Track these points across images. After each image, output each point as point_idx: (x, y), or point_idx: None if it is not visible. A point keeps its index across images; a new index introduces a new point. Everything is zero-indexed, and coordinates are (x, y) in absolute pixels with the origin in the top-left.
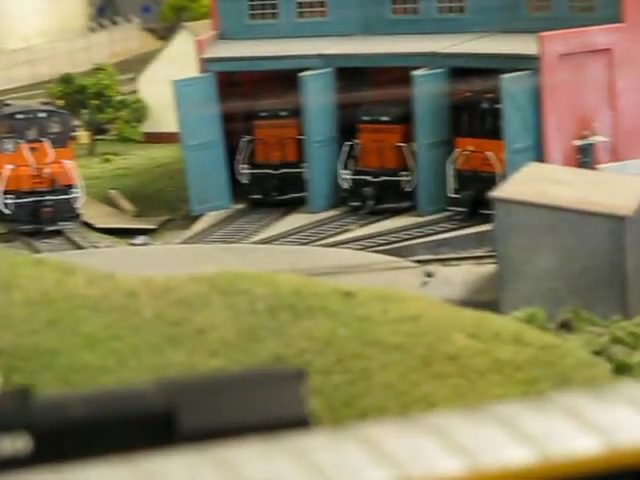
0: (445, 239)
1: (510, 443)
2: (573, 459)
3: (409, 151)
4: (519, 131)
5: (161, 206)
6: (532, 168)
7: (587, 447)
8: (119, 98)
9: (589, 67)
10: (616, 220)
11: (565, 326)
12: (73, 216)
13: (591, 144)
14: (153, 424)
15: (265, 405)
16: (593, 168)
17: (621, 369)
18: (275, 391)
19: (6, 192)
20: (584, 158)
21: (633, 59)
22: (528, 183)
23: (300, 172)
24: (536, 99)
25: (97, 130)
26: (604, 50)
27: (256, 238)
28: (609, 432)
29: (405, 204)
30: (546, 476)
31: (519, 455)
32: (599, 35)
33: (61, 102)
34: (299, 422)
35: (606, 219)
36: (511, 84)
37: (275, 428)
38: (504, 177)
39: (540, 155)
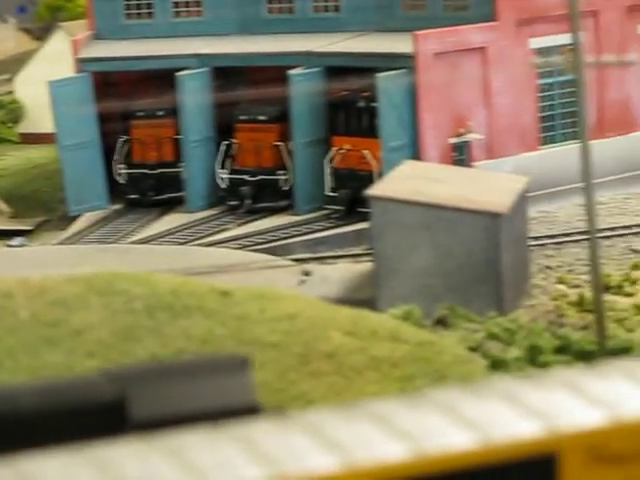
0: (322, 237)
1: (385, 439)
2: (448, 454)
3: (286, 150)
4: (395, 129)
5: (38, 207)
6: (408, 166)
7: (462, 442)
8: None
9: (464, 65)
10: (491, 217)
11: (441, 323)
12: None
13: (466, 142)
14: (104, 413)
15: (214, 393)
16: (469, 166)
17: (496, 365)
18: (223, 379)
19: None
20: (460, 156)
21: (507, 57)
22: (404, 181)
23: (177, 172)
24: (412, 97)
25: None
26: (478, 49)
27: (134, 238)
28: (483, 427)
29: (283, 203)
30: (421, 471)
31: (394, 451)
32: (473, 34)
33: None
34: (248, 409)
35: (481, 216)
36: (387, 83)
37: (224, 416)
38: (380, 175)
39: (416, 153)
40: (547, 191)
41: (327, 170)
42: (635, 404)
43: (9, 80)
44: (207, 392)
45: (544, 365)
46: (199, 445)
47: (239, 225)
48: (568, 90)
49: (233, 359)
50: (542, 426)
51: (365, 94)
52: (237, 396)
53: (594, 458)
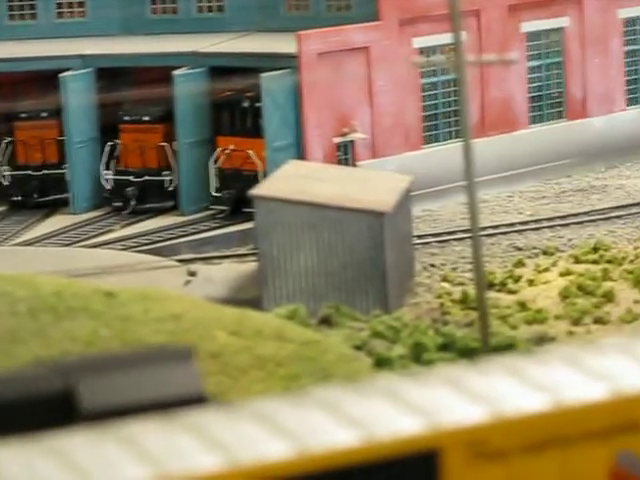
0: (208, 238)
1: (268, 438)
2: (331, 452)
3: (171, 150)
4: (279, 129)
5: None
6: (292, 166)
7: (344, 440)
8: None
9: (347, 65)
10: (375, 216)
11: (326, 322)
12: None
13: (351, 141)
14: (52, 405)
15: (161, 383)
16: (353, 165)
17: (381, 363)
18: (170, 369)
19: None
20: (344, 155)
21: (390, 57)
22: (288, 181)
23: (62, 173)
24: (295, 97)
25: None
26: (362, 48)
27: (18, 240)
28: (366, 425)
29: (168, 203)
30: (304, 470)
31: (277, 450)
32: (356, 34)
33: None
34: (196, 399)
35: (365, 215)
36: (271, 83)
37: (172, 405)
38: (265, 175)
39: (300, 153)
40: (431, 190)
41: (212, 170)
42: (516, 400)
43: None
44: (155, 382)
45: (428, 362)
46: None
47: (124, 226)
48: (451, 89)
49: (179, 349)
50: (424, 423)
51: (249, 94)
52: (184, 386)
53: (475, 454)
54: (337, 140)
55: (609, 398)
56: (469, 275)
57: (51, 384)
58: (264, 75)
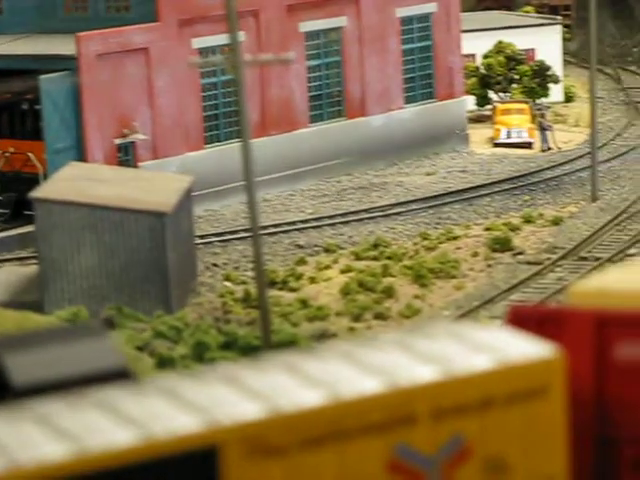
0: None
1: (46, 439)
2: (109, 452)
3: None
4: (59, 131)
5: None
6: (73, 167)
7: (123, 439)
8: None
9: (127, 66)
10: (156, 217)
11: (108, 323)
12: None
13: (132, 142)
14: None
15: (87, 357)
16: (134, 166)
17: (163, 362)
18: (93, 343)
19: None
20: (125, 156)
21: (169, 58)
22: (68, 182)
23: None
24: (75, 99)
25: None
26: (141, 49)
27: None
28: (145, 423)
29: None
30: (82, 470)
31: (55, 450)
32: (135, 34)
33: None
34: (120, 373)
35: (146, 216)
36: (50, 84)
37: (97, 380)
38: (46, 177)
39: (81, 154)
40: (213, 190)
41: None
42: (293, 396)
43: None
44: (81, 357)
45: (211, 361)
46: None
47: None
48: (231, 89)
49: (99, 324)
50: (202, 420)
51: (28, 96)
52: (108, 360)
53: (254, 450)
54: (118, 141)
55: (385, 392)
56: (251, 274)
57: None
58: (43, 77)
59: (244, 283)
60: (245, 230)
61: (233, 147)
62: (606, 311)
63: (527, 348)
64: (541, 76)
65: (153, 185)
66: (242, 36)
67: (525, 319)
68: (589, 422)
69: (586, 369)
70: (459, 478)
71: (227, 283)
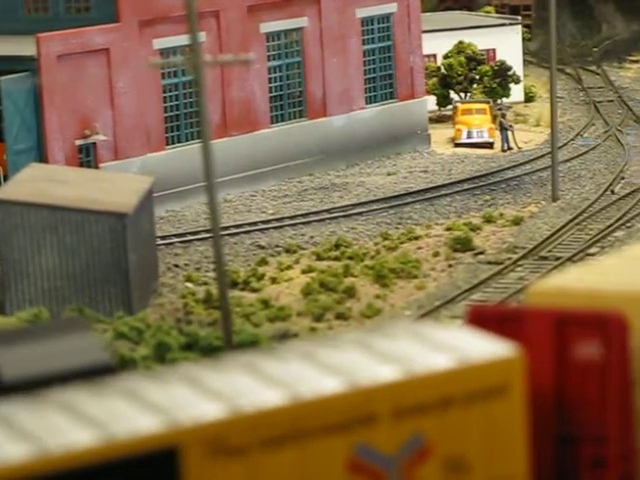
0: None
1: (6, 440)
2: (70, 453)
3: None
4: (20, 132)
5: None
6: (34, 169)
7: (83, 440)
8: None
9: (88, 67)
10: (116, 218)
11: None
12: None
13: (93, 143)
14: None
15: (74, 352)
16: (95, 167)
17: (125, 363)
18: (78, 339)
19: None
20: (86, 157)
21: (130, 58)
22: (29, 184)
23: None
24: (36, 100)
25: None
26: (102, 50)
27: None
28: (105, 424)
29: None
30: (44, 471)
31: (14, 451)
32: (96, 35)
33: None
34: (105, 368)
35: (107, 217)
36: (10, 86)
37: (83, 375)
38: (6, 179)
39: (42, 156)
40: (174, 190)
41: None
42: (254, 396)
43: None
44: (68, 352)
45: (172, 362)
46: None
47: None
48: (192, 90)
49: (79, 321)
50: (163, 421)
51: None
52: (93, 355)
53: (215, 450)
54: (79, 142)
55: (346, 392)
56: (212, 274)
57: None
58: (3, 78)
59: (205, 284)
60: (206, 231)
61: (194, 148)
62: (566, 310)
63: (487, 347)
64: (502, 76)
65: (114, 186)
66: (203, 37)
67: (485, 319)
68: (549, 421)
69: (546, 368)
70: (419, 477)
71: (188, 284)
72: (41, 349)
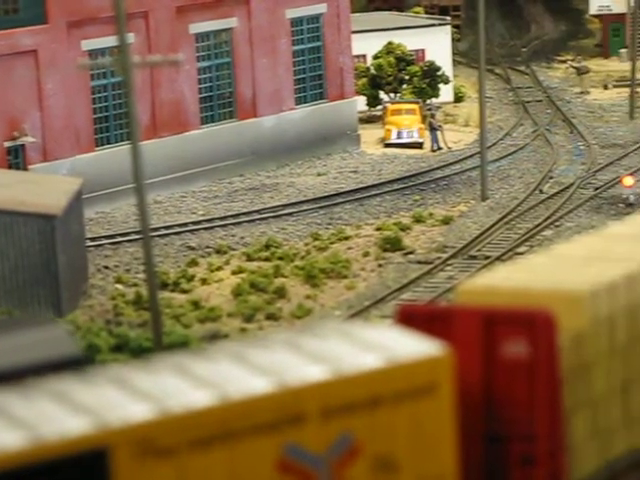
0: None
1: None
2: None
3: None
4: None
5: None
6: None
7: (10, 441)
8: None
9: (16, 68)
10: (45, 219)
11: None
12: None
13: (21, 145)
14: None
15: (43, 346)
16: (24, 169)
17: None
18: (46, 332)
19: None
20: (14, 159)
21: (58, 60)
22: None
23: None
24: None
25: None
26: (30, 51)
27: None
28: (33, 426)
29: None
30: None
31: None
32: (24, 37)
33: None
34: (75, 360)
35: (35, 219)
36: None
37: (53, 367)
38: None
39: None
40: (104, 192)
41: None
42: (183, 397)
43: None
44: (37, 346)
45: (102, 363)
46: None
47: None
48: (121, 91)
49: (45, 318)
50: (92, 422)
51: None
52: (63, 348)
53: (144, 451)
54: (7, 144)
55: (275, 392)
56: (142, 276)
57: None
58: None
59: (135, 285)
60: (136, 232)
61: (124, 149)
62: (494, 309)
63: (416, 347)
64: (431, 76)
65: (43, 188)
66: (131, 38)
67: (414, 318)
68: (478, 420)
69: (475, 367)
70: (349, 477)
71: (118, 285)
72: (11, 343)
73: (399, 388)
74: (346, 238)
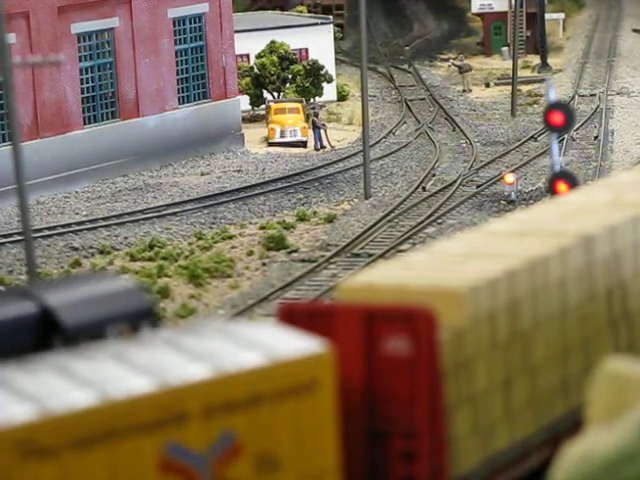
0: None
1: None
2: None
3: None
4: None
5: None
6: None
7: None
8: None
9: None
10: None
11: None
12: None
13: None
14: None
15: (119, 299)
16: None
17: None
18: (120, 287)
19: None
20: None
21: None
22: None
23: None
24: None
25: None
26: None
27: None
28: None
29: None
30: None
31: None
32: None
33: None
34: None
35: None
36: None
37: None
38: None
39: None
40: None
41: None
42: (63, 397)
43: None
44: (115, 299)
45: None
46: None
47: None
48: (1, 92)
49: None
50: None
51: None
52: (137, 301)
53: (25, 452)
54: None
55: (155, 391)
56: (25, 277)
57: None
58: None
59: None
60: (18, 233)
61: (5, 150)
62: (374, 306)
63: (297, 344)
64: (314, 75)
65: None
66: (12, 38)
67: (295, 316)
68: (360, 417)
69: (356, 364)
70: (231, 475)
71: (0, 287)
72: (92, 296)
73: (280, 386)
74: (230, 237)
